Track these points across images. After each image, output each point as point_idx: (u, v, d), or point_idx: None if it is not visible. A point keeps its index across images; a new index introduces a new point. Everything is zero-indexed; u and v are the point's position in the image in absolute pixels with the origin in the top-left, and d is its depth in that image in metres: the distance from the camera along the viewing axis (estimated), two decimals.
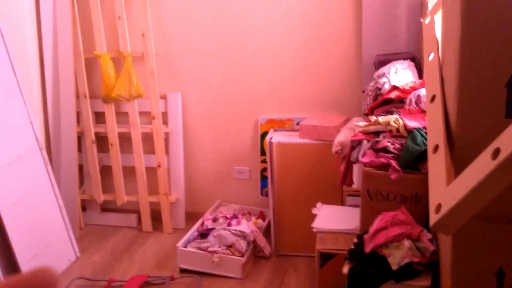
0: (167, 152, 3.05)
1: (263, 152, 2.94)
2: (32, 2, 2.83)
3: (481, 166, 1.00)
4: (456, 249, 1.33)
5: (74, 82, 2.95)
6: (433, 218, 1.10)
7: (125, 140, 3.06)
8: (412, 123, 1.82)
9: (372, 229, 1.64)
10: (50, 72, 2.93)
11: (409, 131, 1.79)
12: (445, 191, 1.13)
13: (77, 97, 3.00)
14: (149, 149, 3.04)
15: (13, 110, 2.48)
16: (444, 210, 1.07)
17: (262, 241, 2.67)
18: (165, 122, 3.03)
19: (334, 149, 2.21)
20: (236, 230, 2.59)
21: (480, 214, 1.08)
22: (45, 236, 2.51)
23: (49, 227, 2.57)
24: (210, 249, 2.53)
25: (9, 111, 2.44)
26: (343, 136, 2.22)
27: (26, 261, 2.32)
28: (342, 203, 2.50)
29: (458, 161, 1.26)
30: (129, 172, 3.07)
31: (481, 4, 1.20)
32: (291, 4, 2.80)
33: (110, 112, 2.99)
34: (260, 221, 2.84)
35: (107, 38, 2.95)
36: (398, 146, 1.76)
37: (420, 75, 2.32)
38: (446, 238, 1.38)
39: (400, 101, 2.08)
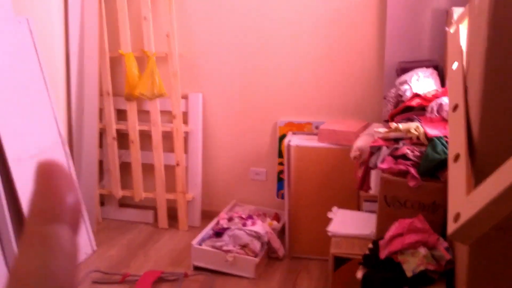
0: (186, 151, 3.09)
1: (280, 155, 2.95)
2: (60, 0, 2.90)
3: (503, 177, 1.00)
4: (473, 259, 1.32)
5: (98, 79, 3.01)
6: (451, 227, 1.10)
7: (145, 137, 3.11)
8: (433, 131, 1.82)
9: (388, 235, 1.65)
10: (75, 69, 3.00)
11: (430, 139, 1.79)
12: (464, 200, 1.13)
13: (101, 94, 3.05)
14: (169, 147, 3.08)
15: (39, 105, 2.54)
16: (463, 219, 1.07)
17: (276, 243, 2.69)
18: (185, 121, 3.07)
19: (353, 154, 2.21)
20: (251, 231, 2.61)
21: (498, 224, 1.08)
22: None
23: None
24: (224, 248, 2.55)
25: (34, 106, 2.51)
26: (362, 142, 2.23)
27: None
28: (358, 208, 2.50)
29: (479, 171, 1.26)
30: (148, 169, 3.11)
31: (508, 15, 1.20)
32: (315, 8, 2.82)
33: (132, 110, 3.04)
34: (275, 222, 2.85)
35: (132, 38, 3.00)
36: (418, 153, 1.76)
37: (443, 83, 2.32)
38: (462, 247, 1.38)
39: (422, 109, 2.08)
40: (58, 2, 2.88)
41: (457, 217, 1.11)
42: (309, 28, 2.85)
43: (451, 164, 1.32)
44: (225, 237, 2.62)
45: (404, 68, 2.45)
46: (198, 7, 2.97)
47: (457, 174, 1.25)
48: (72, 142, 3.04)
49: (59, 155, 2.62)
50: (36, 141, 2.48)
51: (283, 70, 2.94)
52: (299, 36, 2.87)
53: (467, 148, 1.29)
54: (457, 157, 1.29)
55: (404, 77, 2.34)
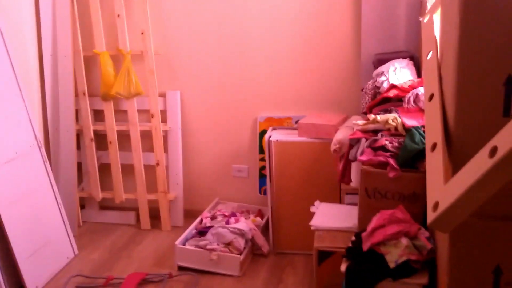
0: (166, 150, 3.05)
1: (261, 150, 2.94)
2: (31, 0, 2.83)
3: (479, 164, 1.01)
4: (454, 247, 1.33)
5: (73, 80, 2.95)
6: (431, 216, 1.11)
7: (124, 138, 3.06)
8: (410, 122, 1.83)
9: (370, 227, 1.65)
10: (49, 69, 2.93)
11: (408, 130, 1.80)
12: (442, 189, 1.14)
13: (76, 95, 3.00)
14: (148, 147, 3.05)
15: (12, 108, 2.48)
16: (441, 208, 1.08)
17: (260, 239, 2.68)
18: (164, 120, 3.03)
19: (333, 147, 2.22)
20: (234, 228, 2.60)
21: (478, 212, 1.08)
22: (43, 233, 2.51)
23: (47, 224, 2.57)
24: (208, 247, 2.53)
25: (8, 109, 2.44)
26: (342, 135, 2.23)
27: (25, 259, 2.33)
28: (340, 201, 2.51)
29: (456, 160, 1.27)
30: (128, 170, 3.07)
31: (479, 3, 1.20)
32: (289, 3, 2.80)
33: (109, 110, 3.00)
34: (258, 219, 2.84)
35: (106, 36, 2.94)
36: (396, 144, 1.77)
37: (419, 74, 2.33)
38: (443, 236, 1.39)
39: (399, 100, 2.09)
40: (29, 2, 2.81)
41: (435, 206, 1.12)
42: (285, 23, 2.84)
43: (428, 154, 1.32)
44: (209, 235, 2.60)
45: (381, 60, 2.46)
46: (173, 3, 2.93)
47: (434, 163, 1.26)
48: (49, 144, 2.99)
49: (36, 159, 2.57)
50: (12, 145, 2.42)
51: (261, 66, 2.92)
52: (276, 31, 2.86)
53: (443, 137, 1.29)
54: (434, 146, 1.29)
55: (381, 68, 2.34)
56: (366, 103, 2.30)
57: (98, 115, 3.10)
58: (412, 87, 2.06)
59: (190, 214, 3.04)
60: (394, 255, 1.54)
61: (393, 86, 2.14)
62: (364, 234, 1.67)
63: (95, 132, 3.05)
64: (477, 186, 1.00)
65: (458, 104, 1.27)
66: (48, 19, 2.89)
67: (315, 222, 2.15)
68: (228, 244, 2.55)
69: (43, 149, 2.62)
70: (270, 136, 2.67)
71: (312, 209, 2.29)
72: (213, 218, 2.79)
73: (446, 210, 1.06)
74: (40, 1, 2.86)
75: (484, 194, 1.01)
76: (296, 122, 2.77)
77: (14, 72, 2.51)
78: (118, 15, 2.88)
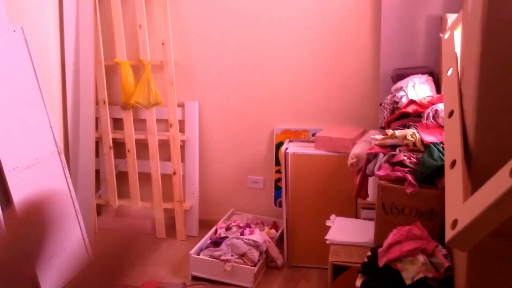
0: (183, 159, 3.08)
1: (277, 162, 2.94)
2: (55, 9, 2.90)
3: (499, 183, 1.00)
4: (472, 266, 1.31)
5: (94, 88, 3.01)
6: (449, 234, 1.09)
7: (142, 146, 3.09)
8: (429, 138, 1.81)
9: (386, 243, 1.63)
10: (71, 78, 2.99)
11: (426, 146, 1.78)
12: (461, 207, 1.13)
13: (97, 103, 3.05)
14: (165, 156, 3.07)
15: (34, 115, 2.53)
16: (460, 226, 1.06)
17: (274, 251, 2.67)
18: (182, 130, 3.06)
19: (350, 161, 2.21)
20: (249, 240, 2.59)
21: (497, 230, 1.07)
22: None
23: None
24: (222, 257, 2.53)
25: (30, 116, 2.50)
26: (359, 149, 2.22)
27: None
28: (356, 216, 2.49)
29: (476, 177, 1.25)
30: (145, 178, 3.10)
31: (501, 20, 1.20)
32: (310, 16, 2.82)
33: (128, 118, 3.04)
34: (273, 231, 2.83)
35: (127, 46, 3.00)
36: (415, 160, 1.75)
37: (438, 90, 2.31)
38: (461, 254, 1.37)
39: (417, 115, 2.07)
40: (53, 11, 2.89)
41: (454, 223, 1.10)
42: (305, 36, 2.85)
43: (447, 171, 1.31)
44: (223, 246, 2.60)
45: (400, 75, 2.45)
46: (193, 15, 2.98)
47: (453, 180, 1.24)
48: (68, 151, 3.03)
49: (55, 165, 2.61)
50: (32, 151, 2.47)
51: (280, 78, 2.93)
52: (295, 44, 2.88)
53: (463, 154, 1.28)
54: (453, 164, 1.28)
55: (400, 83, 2.34)
56: (385, 118, 2.29)
57: (118, 123, 3.15)
58: (431, 103, 2.04)
59: (205, 224, 3.04)
60: (410, 272, 1.52)
61: (412, 102, 2.13)
62: (380, 250, 1.65)
63: (114, 140, 3.09)
64: (496, 205, 0.98)
65: (479, 121, 1.26)
66: (71, 29, 2.95)
67: (331, 236, 2.14)
68: (242, 256, 2.55)
69: (62, 156, 2.66)
70: (286, 148, 2.67)
71: (328, 223, 2.28)
72: (228, 228, 2.79)
73: (465, 229, 1.05)
74: (64, 11, 2.93)
75: (503, 214, 1.00)
76: (313, 135, 2.77)
77: (37, 79, 2.56)
78: (140, 26, 2.93)
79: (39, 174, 2.48)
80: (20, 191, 2.32)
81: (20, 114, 2.42)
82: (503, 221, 1.02)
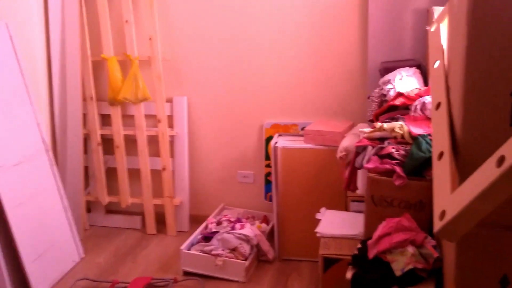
0: (172, 155, 3.07)
1: (267, 157, 2.95)
2: (40, 5, 2.86)
3: (486, 174, 1.01)
4: (460, 256, 1.33)
5: (81, 84, 2.98)
6: (437, 225, 1.11)
7: (130, 142, 3.08)
8: (417, 130, 1.83)
9: (376, 235, 1.65)
10: (58, 74, 2.96)
11: (414, 138, 1.80)
12: (449, 198, 1.14)
13: (84, 99, 3.02)
14: (155, 152, 3.06)
15: (20, 112, 2.50)
16: (448, 217, 1.08)
17: (265, 245, 2.68)
18: (170, 125, 3.05)
19: (339, 154, 2.22)
20: (239, 234, 2.60)
21: (485, 221, 1.08)
22: (50, 236, 2.53)
23: (54, 228, 2.58)
24: (213, 252, 2.54)
25: (16, 113, 2.47)
26: (348, 142, 2.23)
27: (31, 262, 2.34)
28: (346, 208, 2.50)
29: (463, 169, 1.27)
30: (134, 174, 3.09)
31: (487, 13, 1.21)
32: (297, 11, 2.82)
33: (116, 114, 3.01)
34: (264, 225, 2.84)
35: (114, 42, 2.97)
36: (403, 152, 1.77)
37: (426, 82, 2.33)
38: (450, 245, 1.39)
39: (405, 108, 2.09)
40: (38, 7, 2.85)
41: (442, 214, 1.12)
42: (292, 30, 2.85)
43: (435, 162, 1.32)
44: (214, 241, 2.61)
45: (387, 68, 2.46)
46: (180, 9, 2.96)
47: (441, 172, 1.26)
48: (56, 148, 3.01)
49: (43, 162, 2.59)
50: (19, 149, 2.44)
51: (268, 72, 2.93)
52: (283, 38, 2.87)
53: (450, 146, 1.30)
54: (441, 155, 1.29)
55: (388, 76, 2.35)
56: (373, 110, 2.30)
57: (106, 119, 3.12)
58: (419, 95, 2.06)
59: (196, 219, 3.04)
60: (400, 263, 1.53)
61: (399, 94, 2.14)
62: (370, 242, 1.66)
63: (102, 136, 3.07)
64: (484, 196, 1.00)
65: (465, 113, 1.27)
66: (57, 24, 2.91)
67: (321, 229, 2.15)
68: (233, 250, 2.56)
69: (50, 153, 2.64)
70: (276, 143, 2.67)
71: (318, 216, 2.29)
72: (218, 223, 2.79)
73: (453, 219, 1.06)
74: (49, 7, 2.89)
75: (491, 204, 1.01)
76: (302, 129, 2.78)
77: (22, 76, 2.53)
78: (126, 21, 2.91)
79: (27, 171, 2.45)
80: (7, 189, 2.30)
81: (5, 111, 2.39)
82: (490, 211, 1.03)
